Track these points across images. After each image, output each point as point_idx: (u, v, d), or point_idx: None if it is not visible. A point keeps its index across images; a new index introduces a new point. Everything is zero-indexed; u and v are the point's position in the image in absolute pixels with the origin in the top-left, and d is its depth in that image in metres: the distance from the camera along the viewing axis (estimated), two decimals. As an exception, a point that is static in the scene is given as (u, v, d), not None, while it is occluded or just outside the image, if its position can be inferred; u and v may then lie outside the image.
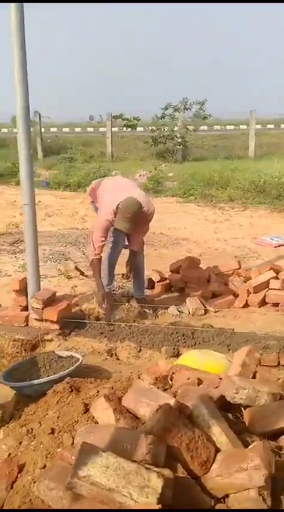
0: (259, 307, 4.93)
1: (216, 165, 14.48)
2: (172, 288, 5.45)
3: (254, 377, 2.77)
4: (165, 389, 2.55)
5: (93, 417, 2.24)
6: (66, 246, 7.18)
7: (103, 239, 4.50)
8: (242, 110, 23.96)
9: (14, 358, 4.07)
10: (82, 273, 5.55)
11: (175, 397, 2.51)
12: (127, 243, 4.88)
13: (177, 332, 4.15)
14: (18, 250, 6.89)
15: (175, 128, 20.05)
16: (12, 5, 3.86)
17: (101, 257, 4.58)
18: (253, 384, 2.56)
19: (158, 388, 2.52)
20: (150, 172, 13.83)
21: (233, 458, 1.92)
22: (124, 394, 2.32)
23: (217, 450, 2.01)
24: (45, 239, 7.60)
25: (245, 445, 2.14)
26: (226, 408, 2.55)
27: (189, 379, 2.70)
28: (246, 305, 4.99)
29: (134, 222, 4.35)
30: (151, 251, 7.19)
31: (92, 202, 5.00)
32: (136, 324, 4.32)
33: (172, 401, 2.07)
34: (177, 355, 3.97)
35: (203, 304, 4.96)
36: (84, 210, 9.85)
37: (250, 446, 2.03)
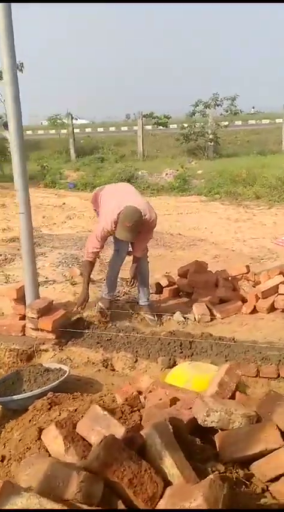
0: (268, 313, 4.72)
1: (247, 161, 14.20)
2: (180, 293, 5.30)
3: (233, 397, 2.61)
4: (132, 411, 2.41)
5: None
6: (81, 249, 7.08)
7: (98, 247, 4.42)
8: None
9: (11, 368, 4.01)
10: (88, 279, 5.44)
11: (141, 420, 2.38)
12: (130, 249, 4.75)
13: (174, 342, 4.00)
14: (33, 255, 6.84)
15: (208, 124, 19.80)
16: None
17: (95, 260, 4.55)
18: (227, 406, 2.40)
19: (124, 410, 2.39)
20: (177, 170, 13.64)
21: (180, 494, 1.77)
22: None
23: (169, 484, 1.87)
24: (62, 242, 7.58)
25: (205, 475, 2.00)
26: (199, 431, 2.41)
27: (161, 399, 2.55)
28: (254, 311, 4.79)
29: (135, 231, 4.21)
30: (167, 253, 7.06)
31: (95, 210, 4.88)
32: (133, 334, 4.18)
33: (122, 431, 1.94)
34: (173, 365, 3.83)
35: (210, 310, 4.80)
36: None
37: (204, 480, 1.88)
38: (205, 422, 2.35)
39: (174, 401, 2.61)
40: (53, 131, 24.69)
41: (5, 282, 5.66)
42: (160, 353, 3.92)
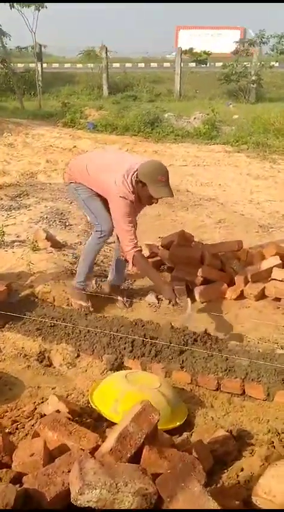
0: (256, 300, 3.96)
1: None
2: (162, 266, 4.54)
3: (138, 455, 1.89)
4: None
5: None
6: (71, 202, 6.35)
7: (132, 224, 3.44)
8: None
9: None
10: (56, 245, 4.71)
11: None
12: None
13: (126, 337, 3.28)
14: (16, 206, 6.17)
15: (252, 64, 18.27)
16: None
17: (141, 248, 3.56)
18: (115, 478, 1.70)
19: None
20: (208, 114, 12.48)
21: None
22: None
23: None
24: (53, 193, 6.86)
25: None
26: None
27: (33, 454, 1.86)
28: (241, 296, 4.02)
29: (169, 184, 3.42)
30: (168, 212, 6.28)
31: (71, 182, 3.77)
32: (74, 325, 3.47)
33: None
34: (119, 366, 3.14)
35: (191, 292, 4.07)
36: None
37: None
38: (78, 502, 1.66)
39: (58, 452, 1.93)
40: (92, 65, 23.31)
41: None
42: (107, 349, 3.22)
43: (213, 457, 2.23)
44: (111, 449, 1.84)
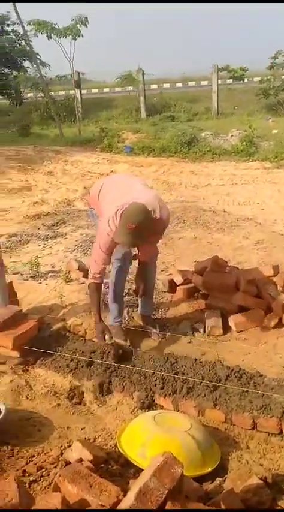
0: (296, 328, 3.77)
1: None
2: (196, 293, 4.41)
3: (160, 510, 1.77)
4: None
5: None
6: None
7: (105, 263, 3.46)
8: None
9: None
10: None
11: None
12: (135, 252, 3.86)
13: (158, 373, 3.16)
14: (52, 235, 6.19)
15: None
16: None
17: (102, 281, 3.56)
18: None
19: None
20: (245, 131, 12.33)
21: None
22: None
23: None
24: (89, 220, 6.83)
25: None
26: None
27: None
28: (280, 324, 3.84)
29: (139, 236, 3.20)
30: (204, 235, 6.15)
31: (92, 208, 3.90)
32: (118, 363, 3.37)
33: None
34: (150, 405, 3.03)
35: (226, 321, 3.94)
36: (152, 180, 8.92)
37: None
38: None
39: (79, 506, 1.84)
40: (131, 88, 23.56)
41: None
42: (137, 386, 3.12)
43: (245, 506, 2.09)
44: (130, 508, 1.74)
